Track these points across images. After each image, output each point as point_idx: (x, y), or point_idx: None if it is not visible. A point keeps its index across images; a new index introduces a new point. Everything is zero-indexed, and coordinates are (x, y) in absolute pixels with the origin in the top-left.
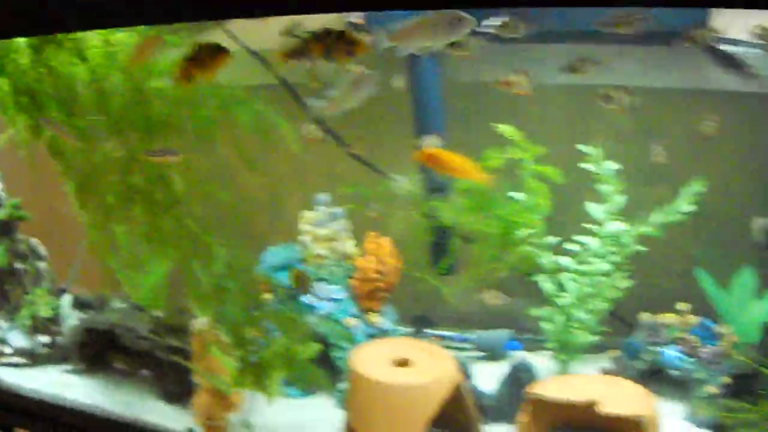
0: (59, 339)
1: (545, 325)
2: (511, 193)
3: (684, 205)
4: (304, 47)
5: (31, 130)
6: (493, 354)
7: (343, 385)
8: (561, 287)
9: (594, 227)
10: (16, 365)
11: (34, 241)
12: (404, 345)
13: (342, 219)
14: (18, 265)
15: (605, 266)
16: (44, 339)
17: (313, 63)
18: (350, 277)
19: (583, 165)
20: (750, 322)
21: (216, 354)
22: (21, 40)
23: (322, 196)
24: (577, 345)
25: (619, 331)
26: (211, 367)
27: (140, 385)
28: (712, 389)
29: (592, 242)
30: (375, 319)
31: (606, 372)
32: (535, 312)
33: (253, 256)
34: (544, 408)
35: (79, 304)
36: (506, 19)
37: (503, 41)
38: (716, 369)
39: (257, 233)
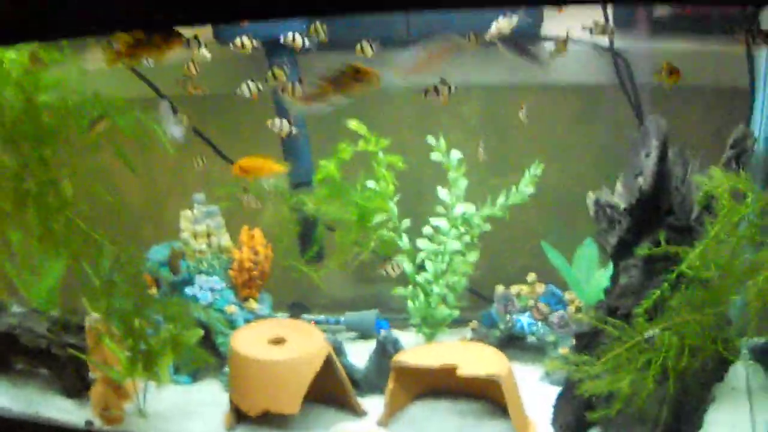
0: None
1: (409, 303)
2: (366, 182)
3: (526, 187)
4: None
5: None
6: (363, 333)
7: (227, 369)
8: (420, 267)
9: (445, 211)
10: None
11: None
12: (278, 325)
13: (217, 216)
14: None
15: (456, 245)
16: None
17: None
18: (229, 269)
19: (432, 156)
20: (593, 289)
21: (109, 345)
22: None
23: (199, 196)
24: (439, 319)
25: (479, 306)
26: (105, 359)
27: (40, 384)
28: (563, 350)
29: (443, 224)
30: (253, 305)
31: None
32: (398, 291)
33: (139, 253)
34: (409, 375)
35: None
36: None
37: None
38: (565, 332)
39: (142, 233)
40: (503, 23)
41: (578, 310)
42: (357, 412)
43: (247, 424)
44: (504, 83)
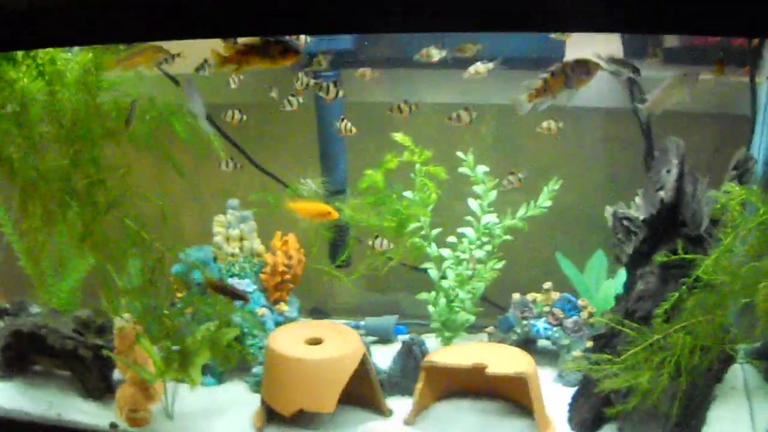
0: None
1: (430, 308)
2: (404, 192)
3: (544, 200)
4: None
5: None
6: (382, 337)
7: (256, 370)
8: (444, 273)
9: (473, 221)
10: None
11: None
12: (315, 326)
13: (251, 220)
14: None
15: (480, 254)
16: None
17: None
18: (260, 272)
19: (460, 169)
20: (604, 296)
21: (144, 345)
22: None
23: (233, 201)
24: (459, 323)
25: (492, 313)
26: (136, 359)
27: (60, 385)
28: (576, 353)
29: (470, 233)
30: (284, 308)
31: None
32: (421, 296)
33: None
34: (438, 375)
35: None
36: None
37: None
38: (579, 336)
39: (182, 235)
40: (481, 67)
41: (590, 315)
42: (383, 412)
43: (276, 423)
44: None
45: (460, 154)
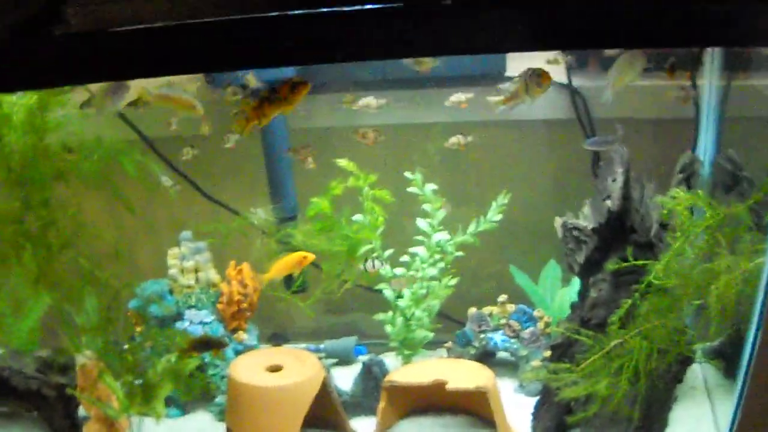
0: None
1: (388, 327)
2: (354, 216)
3: (494, 215)
4: None
5: None
6: (342, 359)
7: (219, 399)
8: (400, 293)
9: (424, 239)
10: None
11: None
12: (274, 353)
13: (205, 252)
14: None
15: (433, 271)
16: None
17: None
18: (217, 302)
19: (409, 189)
20: (560, 305)
21: (106, 381)
22: None
23: (186, 233)
24: (417, 341)
25: (450, 328)
26: (99, 396)
27: (25, 425)
28: (535, 363)
29: (422, 252)
30: (242, 336)
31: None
32: (378, 317)
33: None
34: (400, 394)
35: None
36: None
37: None
38: (537, 346)
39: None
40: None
41: (547, 325)
42: None
43: None
44: (467, 120)
45: (407, 174)
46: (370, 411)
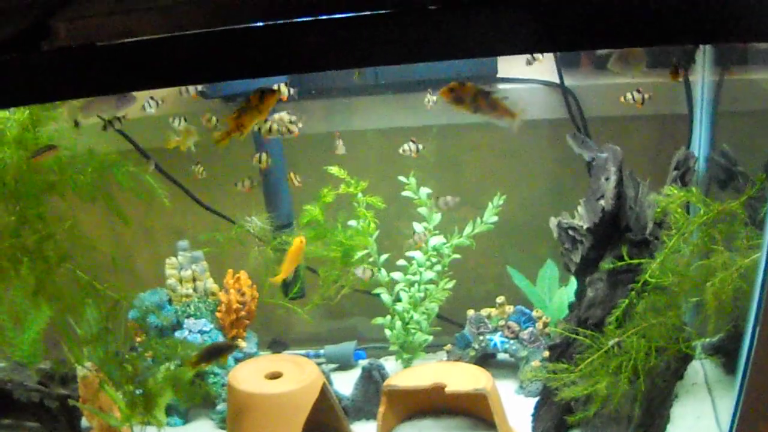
0: None
1: (387, 331)
2: (349, 222)
3: (490, 216)
4: None
5: None
6: (342, 364)
7: (221, 407)
8: (398, 297)
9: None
10: None
11: None
12: (273, 360)
13: (202, 261)
14: None
15: (431, 274)
16: None
17: None
18: (215, 311)
19: (404, 193)
20: (559, 305)
21: (108, 392)
22: None
23: (183, 243)
24: (416, 344)
25: (449, 330)
26: (101, 406)
27: None
28: (534, 363)
29: (419, 255)
30: (242, 344)
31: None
32: (377, 321)
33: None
34: (400, 398)
35: None
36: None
37: None
38: (536, 346)
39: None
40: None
41: (545, 325)
42: None
43: None
44: (460, 122)
45: (402, 178)
46: (372, 415)
